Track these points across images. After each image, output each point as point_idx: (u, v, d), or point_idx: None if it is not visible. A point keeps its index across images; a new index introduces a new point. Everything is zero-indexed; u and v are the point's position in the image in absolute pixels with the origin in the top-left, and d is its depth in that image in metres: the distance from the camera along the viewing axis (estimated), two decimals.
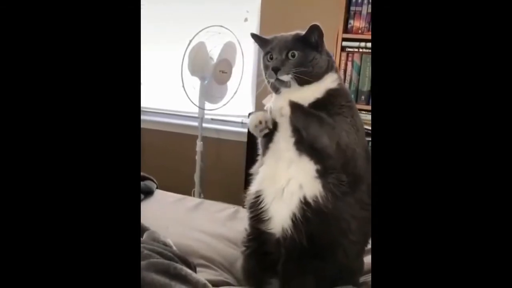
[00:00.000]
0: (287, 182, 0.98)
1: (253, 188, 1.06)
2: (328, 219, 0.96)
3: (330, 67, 1.02)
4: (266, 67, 1.02)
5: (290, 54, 0.98)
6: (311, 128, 0.95)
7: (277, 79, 0.97)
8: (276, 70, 0.97)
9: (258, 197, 1.03)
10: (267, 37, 1.04)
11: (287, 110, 0.95)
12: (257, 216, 1.03)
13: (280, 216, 0.99)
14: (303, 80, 0.97)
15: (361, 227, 1.00)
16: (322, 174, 0.96)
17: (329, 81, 1.01)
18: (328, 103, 0.99)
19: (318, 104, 0.98)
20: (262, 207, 1.02)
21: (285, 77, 0.97)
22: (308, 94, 0.99)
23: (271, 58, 1.00)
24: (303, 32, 0.99)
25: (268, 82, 1.02)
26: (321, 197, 0.95)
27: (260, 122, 1.01)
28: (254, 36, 1.07)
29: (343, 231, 0.98)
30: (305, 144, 0.97)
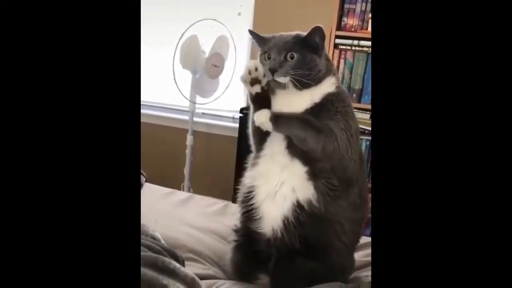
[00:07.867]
0: (280, 185, 0.98)
1: (246, 181, 1.05)
2: (321, 222, 0.96)
3: (328, 71, 0.99)
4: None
5: (289, 55, 0.94)
6: (295, 133, 0.95)
7: (274, 80, 0.95)
8: (273, 71, 0.94)
9: (250, 192, 1.03)
10: (266, 35, 1.01)
11: (269, 126, 0.95)
12: (248, 213, 1.03)
13: (271, 217, 0.99)
14: (301, 82, 0.94)
15: (353, 227, 1.01)
16: (313, 176, 0.96)
17: (328, 85, 0.99)
18: (324, 109, 0.97)
19: (314, 109, 0.97)
20: (253, 203, 1.01)
21: (282, 79, 0.94)
22: (306, 98, 0.97)
23: (269, 58, 0.97)
24: (304, 33, 0.96)
25: None
26: (314, 200, 0.95)
27: (256, 69, 0.97)
28: (252, 33, 1.03)
29: (336, 233, 0.99)
30: (296, 147, 0.96)
